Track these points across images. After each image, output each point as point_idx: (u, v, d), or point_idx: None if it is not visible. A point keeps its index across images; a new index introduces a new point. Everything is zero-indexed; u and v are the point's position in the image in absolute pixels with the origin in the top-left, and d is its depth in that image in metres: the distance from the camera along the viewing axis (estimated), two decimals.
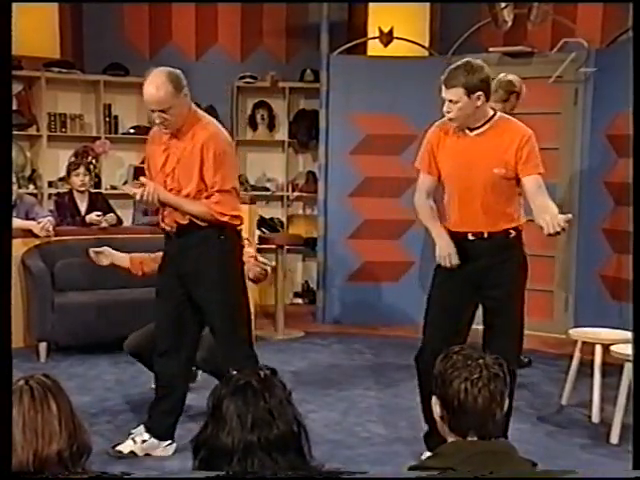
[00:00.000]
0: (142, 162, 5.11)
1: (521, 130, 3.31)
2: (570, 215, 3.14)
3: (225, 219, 3.40)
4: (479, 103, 3.22)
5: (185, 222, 3.43)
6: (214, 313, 3.48)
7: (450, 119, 3.28)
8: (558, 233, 3.09)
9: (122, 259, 4.16)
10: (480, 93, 3.21)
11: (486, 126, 3.30)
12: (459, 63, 3.26)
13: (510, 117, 3.43)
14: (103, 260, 4.17)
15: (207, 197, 3.38)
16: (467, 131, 3.32)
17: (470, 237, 3.33)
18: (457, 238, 3.35)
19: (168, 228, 3.50)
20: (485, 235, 3.32)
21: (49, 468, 1.64)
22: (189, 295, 3.51)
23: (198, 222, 3.41)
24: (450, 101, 3.22)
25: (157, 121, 3.31)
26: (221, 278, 3.45)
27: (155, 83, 3.25)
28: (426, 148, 3.43)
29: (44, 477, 1.64)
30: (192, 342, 3.61)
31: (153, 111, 3.29)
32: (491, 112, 3.32)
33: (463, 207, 3.34)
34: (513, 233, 3.33)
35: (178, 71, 3.33)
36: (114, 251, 4.19)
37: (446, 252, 3.34)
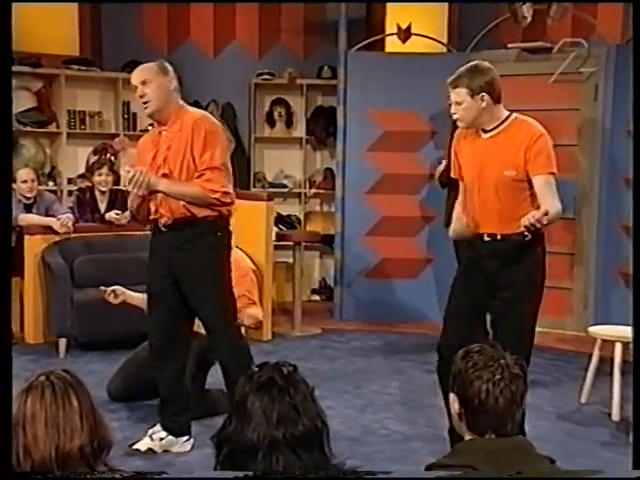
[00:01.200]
0: None
1: (532, 130, 3.30)
2: (543, 209, 3.10)
3: (216, 196, 3.37)
4: (484, 105, 3.25)
5: (182, 212, 3.40)
6: (210, 309, 3.47)
7: (456, 120, 3.34)
8: (534, 227, 3.08)
9: (135, 298, 4.14)
10: (483, 94, 3.24)
11: (499, 128, 3.32)
12: (467, 65, 3.33)
13: (526, 118, 3.41)
14: (114, 299, 4.17)
15: (198, 177, 3.38)
16: (481, 133, 3.35)
17: (485, 238, 3.36)
18: (474, 239, 3.40)
19: (163, 220, 3.45)
20: (499, 237, 3.32)
21: (71, 463, 1.65)
22: (181, 293, 3.48)
23: (195, 211, 3.39)
24: (456, 103, 3.29)
25: (138, 94, 3.37)
26: (217, 275, 3.45)
27: (143, 64, 3.48)
28: (453, 156, 3.51)
29: (50, 476, 1.64)
30: (187, 342, 3.62)
31: (136, 89, 3.39)
32: (506, 113, 3.34)
33: (477, 208, 3.36)
34: (529, 235, 3.28)
35: (168, 64, 3.49)
36: (127, 290, 4.19)
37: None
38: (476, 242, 3.38)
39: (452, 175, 3.55)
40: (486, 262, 3.36)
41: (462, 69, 3.32)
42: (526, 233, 3.24)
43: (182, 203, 3.39)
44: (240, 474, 1.58)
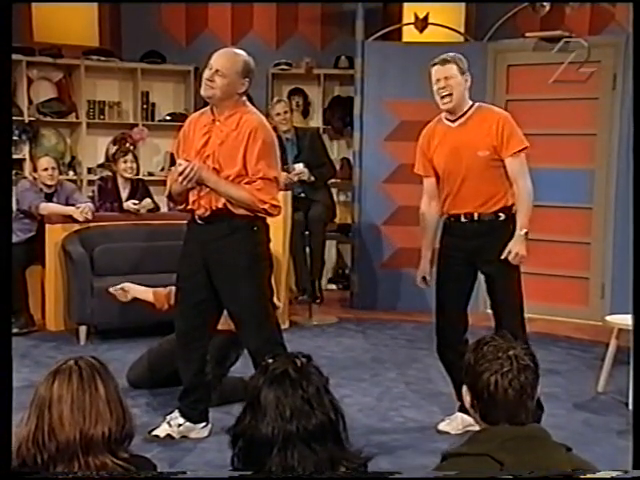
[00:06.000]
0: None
1: (497, 113, 3.64)
2: (514, 251, 3.52)
3: (265, 207, 3.37)
4: (467, 85, 3.58)
5: (220, 206, 3.39)
6: (242, 304, 3.43)
7: (448, 98, 3.54)
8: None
9: (144, 293, 4.16)
10: (468, 75, 3.57)
11: (467, 115, 3.60)
12: (446, 53, 3.61)
13: (486, 104, 3.76)
14: (124, 297, 4.19)
15: (248, 183, 3.36)
16: (449, 123, 3.63)
17: (462, 219, 3.63)
18: (453, 221, 3.67)
19: (200, 212, 3.44)
20: (475, 217, 3.60)
21: (94, 448, 1.69)
22: (212, 288, 3.46)
23: (232, 209, 3.38)
24: (445, 78, 3.52)
25: (208, 77, 3.33)
26: (251, 269, 3.40)
27: (235, 51, 3.44)
28: (419, 154, 3.78)
29: (50, 476, 1.67)
30: (210, 336, 3.61)
31: (210, 68, 3.34)
32: (470, 102, 3.63)
33: (455, 191, 3.63)
34: (502, 216, 3.60)
35: (253, 65, 3.42)
36: (135, 285, 4.22)
37: (420, 273, 3.82)
38: (454, 225, 3.66)
39: (417, 171, 3.81)
40: (465, 243, 3.63)
41: (444, 54, 3.59)
42: (500, 214, 3.57)
43: (223, 199, 3.38)
44: (262, 476, 1.59)
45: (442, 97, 3.55)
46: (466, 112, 3.59)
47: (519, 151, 3.55)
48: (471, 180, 3.57)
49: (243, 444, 1.66)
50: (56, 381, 1.71)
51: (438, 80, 3.54)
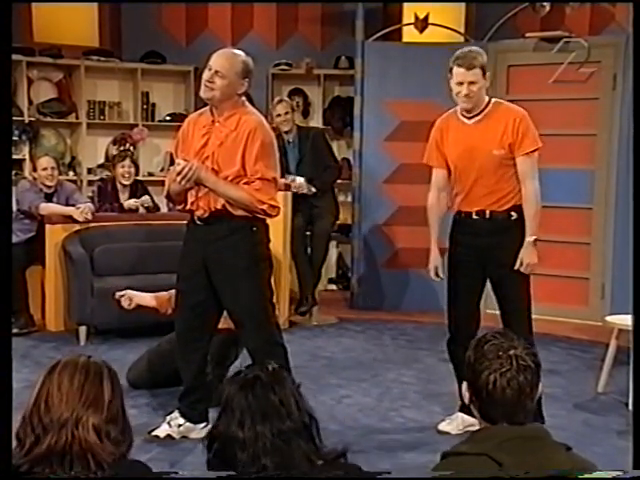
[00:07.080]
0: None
1: (514, 111, 3.58)
2: (525, 262, 3.51)
3: (263, 207, 3.36)
4: (488, 84, 3.54)
5: (219, 207, 3.38)
6: (242, 304, 3.42)
7: (469, 100, 3.49)
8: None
9: (147, 299, 4.17)
10: (489, 73, 3.53)
11: (484, 112, 3.55)
12: (468, 48, 3.54)
13: (503, 101, 3.70)
14: (128, 305, 4.19)
15: (246, 184, 3.36)
16: (466, 120, 3.57)
17: (474, 216, 3.61)
18: (463, 217, 3.65)
19: (199, 213, 3.43)
20: (487, 215, 3.58)
21: (84, 427, 1.65)
22: (212, 289, 3.45)
23: (231, 209, 3.38)
24: (470, 83, 3.46)
25: (207, 78, 3.32)
26: (250, 269, 3.40)
27: (233, 51, 3.44)
28: (432, 144, 3.71)
29: (50, 476, 1.64)
30: (211, 336, 3.60)
31: (209, 69, 3.33)
32: (487, 98, 3.58)
33: (466, 189, 3.61)
34: (514, 215, 3.58)
35: (252, 66, 3.41)
36: (138, 292, 4.22)
37: (432, 265, 3.75)
38: (464, 221, 3.64)
39: (427, 162, 3.75)
40: (476, 240, 3.60)
41: (469, 51, 3.50)
42: (512, 212, 3.55)
43: (222, 200, 3.38)
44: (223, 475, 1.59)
45: (462, 99, 3.50)
46: (483, 110, 3.54)
47: (532, 151, 3.52)
48: (484, 178, 3.54)
49: (218, 446, 1.67)
50: (60, 366, 1.71)
51: (461, 83, 3.46)
